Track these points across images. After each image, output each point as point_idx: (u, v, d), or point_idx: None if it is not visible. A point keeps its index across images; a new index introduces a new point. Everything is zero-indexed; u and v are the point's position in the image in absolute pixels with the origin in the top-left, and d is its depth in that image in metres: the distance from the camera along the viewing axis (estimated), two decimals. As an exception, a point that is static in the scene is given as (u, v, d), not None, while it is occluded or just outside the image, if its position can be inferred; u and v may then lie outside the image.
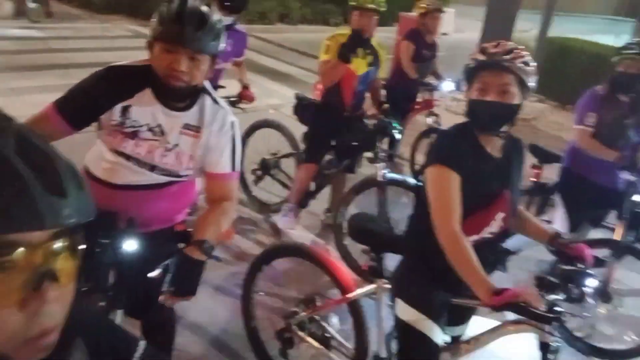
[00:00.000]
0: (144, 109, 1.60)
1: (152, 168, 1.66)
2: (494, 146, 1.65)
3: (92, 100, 1.58)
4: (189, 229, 1.63)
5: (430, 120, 4.57)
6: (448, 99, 6.18)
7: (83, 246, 0.63)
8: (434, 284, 1.70)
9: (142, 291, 1.66)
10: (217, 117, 1.67)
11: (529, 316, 1.38)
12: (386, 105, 3.47)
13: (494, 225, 1.67)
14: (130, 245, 1.55)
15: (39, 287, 0.55)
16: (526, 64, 1.55)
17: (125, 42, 8.53)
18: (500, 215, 1.67)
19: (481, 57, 1.56)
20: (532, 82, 1.57)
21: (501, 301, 1.36)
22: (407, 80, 4.47)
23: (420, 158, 4.57)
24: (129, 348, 0.81)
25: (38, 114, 1.58)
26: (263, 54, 9.03)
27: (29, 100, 4.79)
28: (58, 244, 0.57)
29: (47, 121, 1.56)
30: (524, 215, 1.85)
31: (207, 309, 2.75)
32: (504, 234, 1.73)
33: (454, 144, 1.62)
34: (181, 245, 1.57)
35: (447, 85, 4.58)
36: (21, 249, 0.53)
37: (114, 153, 1.64)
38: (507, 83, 1.54)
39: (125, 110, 1.59)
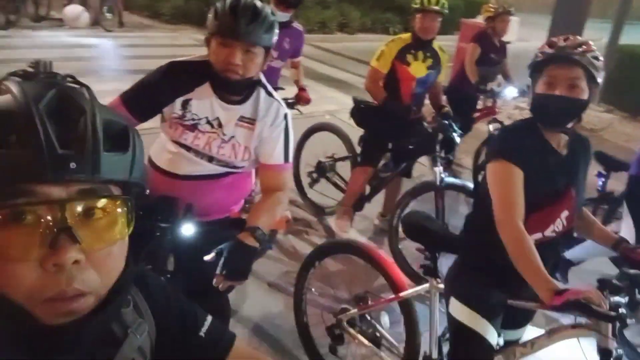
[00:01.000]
0: (203, 103, 1.66)
1: (210, 159, 1.72)
2: (559, 142, 1.60)
3: (154, 94, 1.66)
4: (243, 217, 1.68)
5: (492, 128, 4.45)
6: (511, 106, 6.01)
7: (129, 215, 0.63)
8: (491, 284, 1.65)
9: (197, 276, 1.70)
10: (271, 110, 1.72)
11: (591, 315, 1.32)
12: (447, 109, 3.41)
13: (558, 224, 1.61)
14: (188, 231, 1.61)
15: (55, 245, 0.54)
16: (596, 58, 1.49)
17: (192, 50, 8.77)
18: (564, 214, 1.61)
19: (550, 50, 1.52)
20: (600, 78, 1.51)
21: (563, 300, 1.30)
22: (468, 86, 4.39)
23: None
24: (197, 320, 0.83)
25: (107, 105, 1.68)
26: (321, 62, 9.15)
27: (105, 102, 5.15)
28: (82, 204, 0.56)
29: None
30: (589, 218, 1.77)
31: (260, 305, 2.80)
32: (568, 234, 1.66)
33: (518, 138, 1.58)
34: (237, 232, 1.62)
35: (510, 92, 4.46)
36: (39, 202, 0.54)
37: (175, 144, 1.71)
38: (576, 77, 1.48)
39: (185, 103, 1.66)
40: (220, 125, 1.69)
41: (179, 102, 1.66)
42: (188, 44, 9.68)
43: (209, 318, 0.85)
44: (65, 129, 0.56)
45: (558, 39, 1.54)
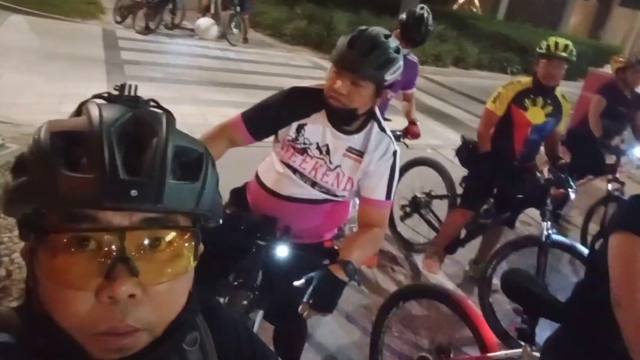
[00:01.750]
0: (317, 128, 1.69)
1: (313, 184, 1.74)
2: None
3: (273, 115, 1.72)
4: (336, 247, 1.65)
5: (611, 187, 4.05)
6: (633, 165, 5.47)
7: (198, 250, 0.59)
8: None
9: (284, 297, 1.72)
10: (381, 145, 1.69)
11: None
12: (563, 161, 3.16)
13: None
14: (282, 252, 1.63)
15: (111, 276, 0.51)
16: None
17: (306, 72, 9.22)
18: None
19: None
20: None
21: None
22: (590, 138, 4.06)
23: (594, 227, 4.08)
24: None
25: (229, 121, 1.77)
26: (431, 95, 9.01)
27: (220, 111, 5.50)
28: (145, 233, 0.54)
29: (234, 128, 1.74)
30: None
31: (335, 335, 2.74)
32: None
33: None
34: (327, 261, 1.60)
35: (638, 152, 4.05)
36: (99, 229, 0.52)
37: (283, 165, 1.75)
38: None
39: (300, 128, 1.70)
40: (328, 152, 1.70)
41: (294, 125, 1.70)
42: (302, 65, 10.04)
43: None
44: (135, 155, 0.54)
45: None
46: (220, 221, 0.64)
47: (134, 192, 0.51)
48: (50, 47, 7.40)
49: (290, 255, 1.65)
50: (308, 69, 9.72)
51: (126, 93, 0.61)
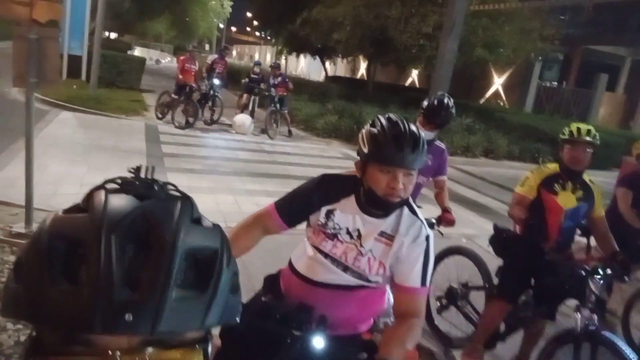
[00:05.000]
0: (347, 214, 1.72)
1: (345, 269, 1.74)
2: None
3: (304, 202, 1.78)
4: (375, 339, 1.62)
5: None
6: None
7: None
8: None
9: None
10: (413, 228, 1.69)
11: None
12: (622, 257, 2.97)
13: None
14: (318, 343, 1.59)
15: None
16: None
17: (337, 162, 9.48)
18: None
19: None
20: None
21: None
22: (626, 228, 3.94)
23: (636, 318, 3.83)
24: None
25: (263, 211, 1.83)
26: (463, 185, 9.03)
27: (254, 200, 5.71)
28: (144, 356, 0.49)
29: (267, 217, 1.79)
30: None
31: None
32: None
33: None
34: (365, 355, 1.59)
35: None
36: (93, 353, 0.48)
37: (315, 249, 1.78)
38: None
39: (329, 213, 1.74)
40: (359, 236, 1.72)
41: (324, 210, 1.74)
42: (334, 156, 10.35)
43: None
44: (143, 256, 0.49)
45: None
46: (238, 320, 0.58)
47: (128, 317, 0.46)
48: (95, 140, 7.90)
49: (326, 347, 1.61)
50: (339, 159, 9.99)
51: (142, 175, 0.57)
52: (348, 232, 1.72)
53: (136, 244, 0.49)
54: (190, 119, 10.24)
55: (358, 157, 1.70)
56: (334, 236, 1.73)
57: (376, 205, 1.66)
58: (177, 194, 0.58)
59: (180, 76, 10.34)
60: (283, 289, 1.87)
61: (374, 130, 1.62)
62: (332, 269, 1.74)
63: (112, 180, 0.56)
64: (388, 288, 2.49)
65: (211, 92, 10.74)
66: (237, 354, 0.77)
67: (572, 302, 2.98)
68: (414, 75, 29.80)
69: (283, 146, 10.43)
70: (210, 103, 10.87)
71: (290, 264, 1.88)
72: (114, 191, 0.54)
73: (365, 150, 1.63)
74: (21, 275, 0.49)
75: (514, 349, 3.42)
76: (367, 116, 12.06)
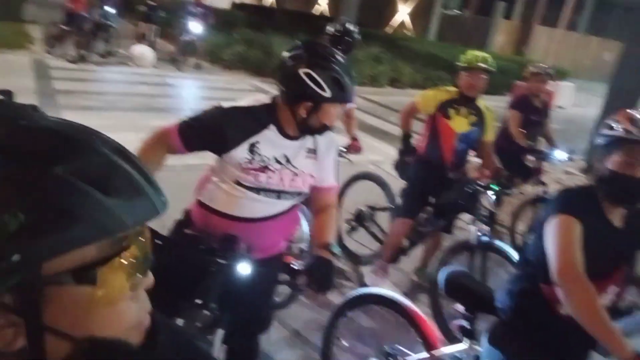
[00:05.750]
0: (271, 144, 1.75)
1: (279, 195, 1.79)
2: (616, 215, 1.54)
3: (215, 134, 1.72)
4: (293, 263, 1.77)
5: (537, 190, 4.33)
6: (559, 171, 5.84)
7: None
8: (531, 349, 1.56)
9: (247, 313, 1.82)
10: (326, 138, 1.85)
11: None
12: (505, 173, 3.34)
13: (605, 299, 1.52)
14: (244, 269, 1.67)
15: (147, 273, 0.58)
16: None
17: (248, 95, 9.25)
18: (613, 289, 1.52)
19: (637, 132, 1.47)
20: None
21: None
22: (515, 146, 4.32)
23: (521, 227, 4.32)
24: None
25: (165, 129, 1.77)
26: (370, 114, 9.27)
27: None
28: (147, 233, 0.59)
29: (168, 137, 1.76)
30: None
31: (284, 353, 2.74)
32: (615, 309, 1.57)
33: (580, 200, 1.55)
34: (287, 276, 1.77)
35: (559, 154, 4.35)
36: (138, 239, 0.55)
37: (242, 187, 1.76)
38: None
39: (253, 147, 1.73)
40: (288, 160, 1.78)
41: (245, 145, 1.72)
42: (243, 88, 10.08)
43: None
44: None
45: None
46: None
47: None
48: (-26, 79, 7.06)
49: (252, 271, 1.69)
50: (249, 92, 9.77)
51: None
52: (277, 161, 1.76)
53: None
54: (83, 52, 9.40)
55: (277, 93, 1.76)
56: (265, 168, 1.74)
57: (318, 132, 1.77)
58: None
59: (69, 4, 9.34)
60: (200, 226, 1.84)
61: (333, 73, 1.66)
62: (265, 201, 1.78)
63: None
64: (301, 214, 2.62)
65: (104, 21, 9.83)
66: (166, 287, 0.79)
67: (467, 217, 3.29)
68: (322, 3, 29.22)
69: (189, 79, 9.97)
70: (104, 33, 9.98)
71: (203, 204, 1.84)
72: None
73: (327, 93, 1.65)
74: None
75: (416, 262, 3.75)
76: (278, 47, 11.74)
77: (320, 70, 1.64)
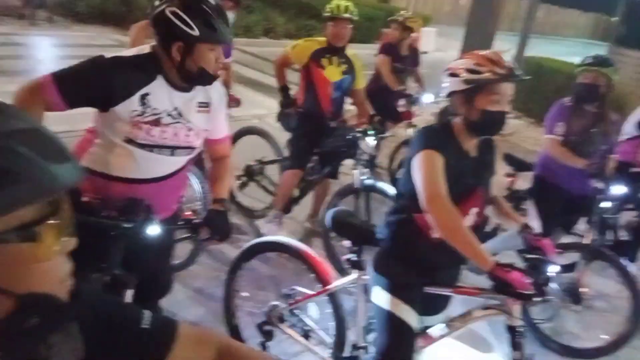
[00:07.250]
0: (160, 96, 1.70)
1: (173, 151, 1.78)
2: (471, 145, 1.77)
3: (99, 87, 1.63)
4: (193, 218, 1.87)
5: (409, 132, 4.70)
6: (427, 113, 6.34)
7: None
8: (410, 272, 1.80)
9: (154, 274, 1.91)
10: (214, 89, 1.85)
11: (513, 295, 1.57)
12: (377, 118, 3.56)
13: (468, 220, 1.78)
14: (149, 230, 1.69)
15: (71, 235, 0.62)
16: None
17: (112, 51, 8.55)
18: (474, 210, 1.78)
19: (501, 70, 1.67)
20: None
21: (504, 275, 1.54)
22: (387, 91, 4.62)
23: (398, 167, 4.70)
24: (133, 317, 0.81)
25: (33, 82, 1.61)
26: (248, 67, 9.14)
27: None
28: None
29: (42, 91, 1.59)
30: (502, 204, 1.99)
31: (190, 311, 2.79)
32: (478, 228, 1.84)
33: (439, 137, 1.75)
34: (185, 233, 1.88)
35: (427, 98, 4.73)
36: (64, 202, 0.60)
37: (135, 146, 1.70)
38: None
39: (143, 98, 1.66)
40: (181, 114, 1.75)
41: (136, 97, 1.65)
42: (107, 44, 9.29)
43: (147, 312, 0.83)
44: None
45: (499, 60, 1.69)
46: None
47: None
48: None
49: (154, 232, 1.71)
50: (114, 47, 9.04)
51: None
52: (169, 114, 1.72)
53: None
54: None
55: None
56: (157, 122, 1.69)
57: (202, 81, 1.73)
58: None
59: None
60: (95, 194, 1.73)
61: (202, 13, 1.61)
62: (158, 159, 1.75)
63: None
64: (191, 175, 2.62)
65: None
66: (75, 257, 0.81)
67: (350, 162, 3.51)
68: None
69: (41, 37, 8.93)
70: None
71: (90, 170, 1.73)
72: None
73: (195, 32, 1.60)
74: None
75: (307, 209, 3.93)
76: (139, -3, 10.89)
77: (187, 9, 1.61)
